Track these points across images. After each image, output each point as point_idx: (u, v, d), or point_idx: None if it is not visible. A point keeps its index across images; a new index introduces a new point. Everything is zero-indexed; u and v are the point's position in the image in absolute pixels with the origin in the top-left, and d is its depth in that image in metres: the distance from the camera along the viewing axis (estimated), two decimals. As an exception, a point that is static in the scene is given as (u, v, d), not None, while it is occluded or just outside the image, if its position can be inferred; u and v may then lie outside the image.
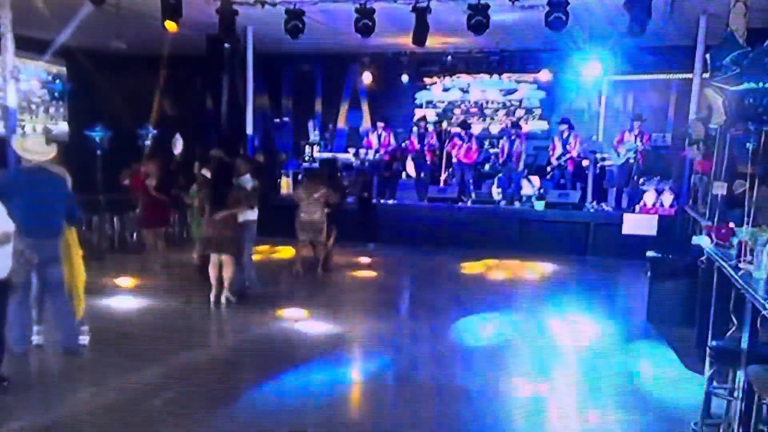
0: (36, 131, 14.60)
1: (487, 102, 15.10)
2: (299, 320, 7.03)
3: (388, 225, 12.20)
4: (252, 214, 7.88)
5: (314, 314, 7.24)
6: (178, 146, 11.96)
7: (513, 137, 12.97)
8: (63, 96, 12.13)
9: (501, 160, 13.06)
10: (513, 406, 4.84)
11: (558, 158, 12.77)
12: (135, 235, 10.88)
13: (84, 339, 5.73)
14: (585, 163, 12.74)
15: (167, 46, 12.32)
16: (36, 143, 5.49)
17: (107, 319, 6.73)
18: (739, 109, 4.50)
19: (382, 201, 13.03)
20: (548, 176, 13.09)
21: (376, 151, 13.65)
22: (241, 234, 7.67)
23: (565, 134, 12.68)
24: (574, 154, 12.62)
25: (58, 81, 12.04)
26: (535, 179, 13.27)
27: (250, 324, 6.92)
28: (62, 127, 15.35)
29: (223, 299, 7.49)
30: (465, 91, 15.24)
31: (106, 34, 11.38)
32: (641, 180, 11.86)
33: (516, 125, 13.33)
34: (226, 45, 11.48)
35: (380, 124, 13.96)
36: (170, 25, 10.21)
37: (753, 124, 4.68)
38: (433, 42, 10.57)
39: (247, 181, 7.76)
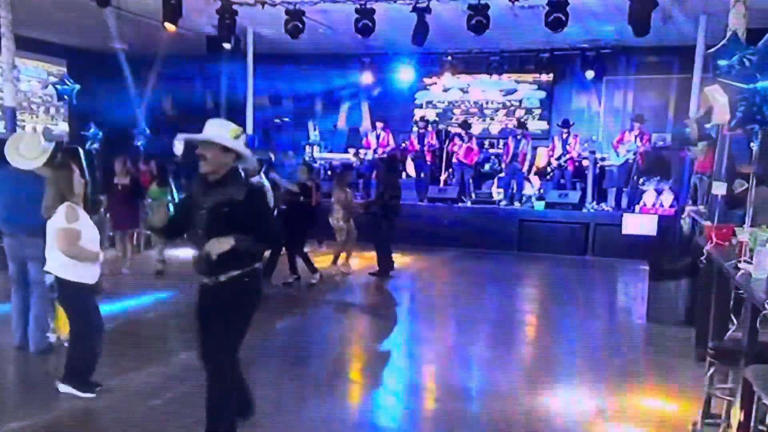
0: (36, 131, 14.58)
1: (487, 102, 15.09)
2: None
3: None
4: None
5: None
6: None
7: (519, 137, 12.96)
8: (72, 98, 12.00)
9: (506, 161, 13.05)
10: (515, 404, 4.84)
11: (558, 158, 12.77)
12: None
13: (52, 336, 5.61)
14: (585, 163, 12.75)
15: (167, 47, 12.32)
16: (30, 147, 5.33)
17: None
18: (747, 108, 4.45)
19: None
20: (548, 176, 13.09)
21: (375, 152, 13.64)
22: None
23: (565, 134, 12.68)
24: (574, 154, 12.62)
25: (67, 84, 11.88)
26: (535, 179, 13.27)
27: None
28: (62, 127, 15.38)
29: None
30: (465, 91, 15.22)
31: (106, 34, 11.40)
32: (641, 180, 11.86)
33: (522, 125, 13.32)
34: (227, 45, 11.44)
35: (379, 125, 13.96)
36: (169, 26, 10.24)
37: (758, 126, 4.65)
38: (433, 42, 10.57)
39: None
